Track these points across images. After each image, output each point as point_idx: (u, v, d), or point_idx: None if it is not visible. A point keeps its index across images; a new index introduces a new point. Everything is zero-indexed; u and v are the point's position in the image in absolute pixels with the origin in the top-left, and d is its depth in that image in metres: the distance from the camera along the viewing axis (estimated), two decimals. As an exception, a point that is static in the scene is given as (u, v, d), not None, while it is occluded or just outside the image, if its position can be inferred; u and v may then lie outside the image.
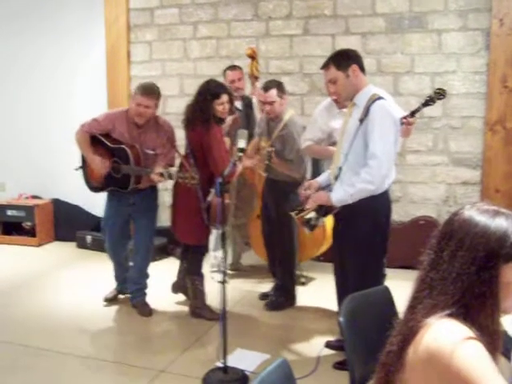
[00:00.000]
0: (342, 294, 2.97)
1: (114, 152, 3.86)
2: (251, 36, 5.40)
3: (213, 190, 3.53)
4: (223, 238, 3.14)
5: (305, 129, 3.91)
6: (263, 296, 4.29)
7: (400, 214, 5.03)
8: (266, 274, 4.51)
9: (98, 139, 3.91)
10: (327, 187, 3.09)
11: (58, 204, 6.10)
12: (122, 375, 3.20)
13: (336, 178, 2.98)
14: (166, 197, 4.92)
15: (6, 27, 6.18)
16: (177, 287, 4.21)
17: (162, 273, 4.55)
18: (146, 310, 4.04)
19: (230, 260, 4.86)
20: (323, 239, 4.29)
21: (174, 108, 5.45)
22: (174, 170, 3.79)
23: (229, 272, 4.63)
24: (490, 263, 1.22)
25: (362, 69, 2.99)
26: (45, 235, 5.97)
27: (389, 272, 3.22)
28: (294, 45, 5.30)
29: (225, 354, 3.04)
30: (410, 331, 1.26)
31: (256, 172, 4.30)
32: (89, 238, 5.73)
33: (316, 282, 4.66)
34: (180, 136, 4.07)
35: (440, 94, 3.09)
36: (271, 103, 3.91)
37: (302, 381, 2.86)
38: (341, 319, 1.92)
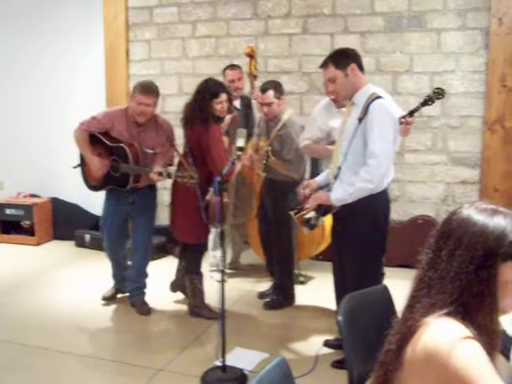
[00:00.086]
0: (340, 293, 2.97)
1: (112, 150, 3.86)
2: (250, 35, 5.40)
3: (211, 189, 3.53)
4: (222, 237, 3.14)
5: (303, 128, 3.90)
6: (262, 295, 4.29)
7: (399, 213, 5.03)
8: (265, 274, 4.51)
9: (96, 138, 3.90)
10: (326, 187, 3.09)
11: (56, 203, 6.10)
12: (121, 374, 3.20)
13: (335, 177, 2.98)
14: (164, 195, 4.92)
15: (5, 27, 6.18)
16: (175, 286, 4.21)
17: (161, 272, 4.55)
18: (144, 309, 4.03)
19: (228, 259, 4.86)
20: (322, 238, 4.29)
21: (172, 107, 5.45)
22: (172, 169, 3.79)
23: (228, 271, 4.64)
24: (489, 262, 1.22)
25: (361, 68, 2.98)
26: (43, 234, 5.97)
27: (387, 271, 3.22)
28: (293, 44, 5.30)
29: (223, 352, 3.04)
30: (409, 330, 1.26)
31: (255, 171, 4.30)
32: (87, 237, 5.73)
33: (315, 281, 4.67)
34: (179, 135, 4.07)
35: (439, 94, 3.09)
36: (269, 104, 3.91)
37: (301, 379, 2.85)
38: (339, 318, 1.92)
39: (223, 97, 3.69)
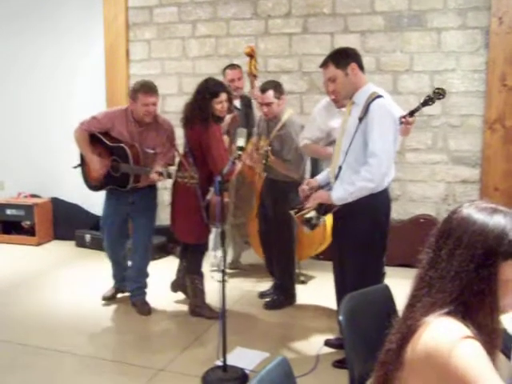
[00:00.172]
0: (341, 293, 2.96)
1: (113, 150, 3.85)
2: (250, 34, 5.40)
3: (212, 189, 3.53)
4: (222, 236, 3.13)
5: (303, 128, 3.90)
6: (262, 295, 4.29)
7: (399, 212, 5.03)
8: (266, 273, 4.50)
9: (97, 137, 3.90)
10: (326, 186, 3.09)
11: (57, 203, 6.10)
12: (121, 374, 3.20)
13: (336, 176, 2.98)
14: (165, 195, 4.92)
15: (5, 27, 6.18)
16: (176, 286, 4.21)
17: (162, 272, 4.54)
18: (145, 309, 4.03)
19: (229, 259, 4.86)
20: (322, 238, 4.29)
21: (172, 107, 5.44)
22: (173, 169, 3.79)
23: (228, 271, 4.63)
24: (489, 261, 1.22)
25: (361, 67, 2.98)
26: (44, 234, 5.97)
27: (388, 270, 3.21)
28: (293, 43, 5.29)
29: (224, 352, 3.03)
30: (409, 329, 1.26)
31: (255, 171, 4.29)
32: (88, 237, 5.73)
33: (315, 281, 4.67)
34: (179, 135, 4.07)
35: (439, 94, 3.08)
36: (269, 104, 3.91)
37: (302, 379, 2.86)
38: (340, 317, 1.92)
39: (223, 96, 3.68)
